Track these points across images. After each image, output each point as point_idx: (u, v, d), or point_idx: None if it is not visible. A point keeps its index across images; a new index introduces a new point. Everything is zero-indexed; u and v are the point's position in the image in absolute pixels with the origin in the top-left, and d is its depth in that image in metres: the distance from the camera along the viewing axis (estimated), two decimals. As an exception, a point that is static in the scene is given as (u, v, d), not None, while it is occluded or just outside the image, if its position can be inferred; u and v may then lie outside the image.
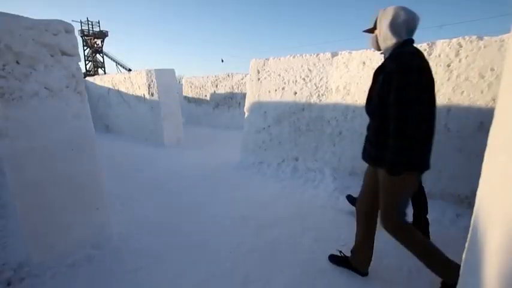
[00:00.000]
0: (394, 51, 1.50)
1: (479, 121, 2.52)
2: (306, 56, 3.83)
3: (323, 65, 3.66)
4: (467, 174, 2.60)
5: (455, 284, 0.96)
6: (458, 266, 0.94)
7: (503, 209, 0.61)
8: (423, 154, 1.47)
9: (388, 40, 1.51)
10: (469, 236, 0.82)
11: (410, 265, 1.98)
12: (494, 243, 0.63)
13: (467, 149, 2.61)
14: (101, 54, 36.15)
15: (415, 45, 1.53)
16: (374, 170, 1.69)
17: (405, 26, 1.47)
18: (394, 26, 1.47)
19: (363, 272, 1.87)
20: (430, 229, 2.30)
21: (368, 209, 1.77)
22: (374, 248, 1.89)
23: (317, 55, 3.72)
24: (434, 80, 1.47)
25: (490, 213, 0.68)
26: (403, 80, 1.38)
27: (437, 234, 2.39)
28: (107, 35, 35.97)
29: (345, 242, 2.31)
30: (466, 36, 2.56)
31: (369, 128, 1.67)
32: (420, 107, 1.37)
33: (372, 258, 1.88)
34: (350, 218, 2.70)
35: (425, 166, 1.51)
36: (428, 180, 2.89)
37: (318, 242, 2.31)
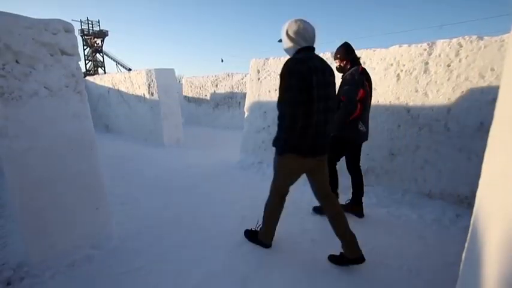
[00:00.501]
0: (292, 56, 1.80)
1: (479, 121, 2.52)
2: (306, 55, 3.83)
3: (323, 64, 3.65)
4: (467, 174, 2.60)
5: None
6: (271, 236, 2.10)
7: (503, 208, 0.61)
8: (300, 142, 1.76)
9: (287, 47, 1.82)
10: (468, 235, 0.82)
11: (410, 265, 1.98)
12: (494, 243, 0.63)
13: (467, 149, 2.61)
14: (101, 54, 36.14)
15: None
16: None
17: (300, 35, 1.73)
18: (290, 35, 1.75)
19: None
20: (431, 228, 2.41)
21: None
22: (376, 247, 2.05)
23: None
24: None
25: (489, 213, 0.68)
26: (281, 82, 1.70)
27: (437, 234, 2.40)
28: (107, 35, 35.95)
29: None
30: (466, 36, 2.56)
31: None
32: (293, 107, 1.67)
33: (367, 259, 1.93)
34: (350, 218, 2.70)
35: (304, 152, 1.81)
36: (429, 180, 2.90)
37: (317, 242, 2.31)
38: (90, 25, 34.67)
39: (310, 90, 1.67)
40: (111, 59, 37.55)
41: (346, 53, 2.49)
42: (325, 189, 2.02)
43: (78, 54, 2.09)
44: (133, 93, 6.69)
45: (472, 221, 0.79)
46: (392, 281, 1.86)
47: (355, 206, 2.70)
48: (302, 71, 1.64)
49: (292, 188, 2.11)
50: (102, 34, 35.59)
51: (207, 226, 2.59)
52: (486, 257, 0.66)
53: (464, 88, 2.58)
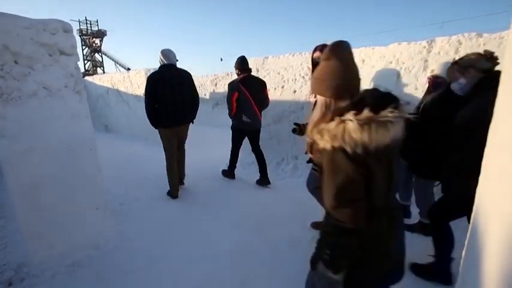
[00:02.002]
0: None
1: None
2: (305, 54, 3.82)
3: (322, 63, 3.64)
4: (467, 171, 2.60)
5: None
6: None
7: (502, 206, 0.61)
8: (159, 121, 3.06)
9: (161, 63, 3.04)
10: (468, 234, 0.82)
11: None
12: (494, 241, 0.63)
13: (466, 147, 2.60)
14: (100, 54, 36.01)
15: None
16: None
17: (163, 56, 2.99)
18: (160, 57, 3.02)
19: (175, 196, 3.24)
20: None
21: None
22: None
23: (316, 53, 3.71)
24: None
25: (489, 211, 0.68)
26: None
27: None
28: (106, 34, 35.83)
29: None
30: (465, 33, 2.55)
31: None
32: (148, 105, 2.99)
33: None
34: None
35: (165, 125, 3.09)
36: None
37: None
38: (89, 25, 34.54)
39: (156, 90, 2.92)
40: (110, 58, 37.45)
41: (239, 64, 3.40)
42: (180, 145, 3.42)
43: (77, 54, 2.09)
44: (133, 93, 6.68)
45: (471, 219, 0.79)
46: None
47: (263, 179, 3.52)
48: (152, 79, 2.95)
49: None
50: (101, 34, 35.46)
51: (207, 226, 2.60)
52: (486, 255, 0.66)
53: (464, 86, 2.57)
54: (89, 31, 34.82)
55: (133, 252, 2.19)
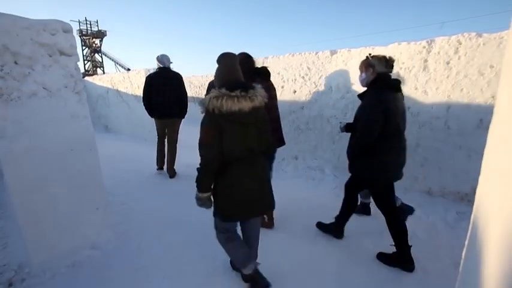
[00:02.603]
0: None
1: (479, 118, 2.52)
2: (305, 54, 3.82)
3: (322, 63, 3.65)
4: (468, 171, 2.60)
5: None
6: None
7: (503, 206, 0.60)
8: (152, 112, 3.79)
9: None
10: (468, 233, 0.82)
11: (416, 264, 1.98)
12: (494, 241, 0.63)
13: (467, 147, 2.61)
14: (100, 54, 36.03)
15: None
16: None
17: (158, 61, 3.68)
18: (156, 61, 3.70)
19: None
20: (433, 226, 2.44)
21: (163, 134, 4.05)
22: (381, 247, 2.11)
23: (316, 53, 3.71)
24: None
25: (489, 211, 0.68)
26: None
27: (438, 232, 2.40)
28: (106, 35, 35.86)
29: (346, 241, 2.31)
30: (465, 33, 2.55)
31: None
32: (143, 99, 3.75)
33: (372, 259, 1.92)
34: (353, 217, 2.70)
35: (157, 116, 3.83)
36: (429, 178, 2.90)
37: (319, 242, 2.31)
38: (89, 25, 34.57)
39: (151, 87, 3.66)
40: (110, 59, 37.47)
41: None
42: (170, 138, 3.96)
43: (77, 55, 2.09)
44: (133, 93, 6.68)
45: (472, 219, 0.79)
46: (400, 280, 1.87)
47: None
48: (157, 78, 3.68)
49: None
50: (101, 34, 35.49)
51: (208, 226, 2.59)
52: (486, 255, 0.66)
53: (464, 85, 2.57)
54: (89, 31, 34.84)
55: (133, 253, 2.19)
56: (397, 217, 2.01)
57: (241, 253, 1.73)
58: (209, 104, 1.42)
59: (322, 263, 2.05)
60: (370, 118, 1.84)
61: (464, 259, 0.86)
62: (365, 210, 2.73)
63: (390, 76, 1.92)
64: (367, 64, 1.94)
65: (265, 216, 2.48)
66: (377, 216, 2.44)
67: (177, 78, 3.75)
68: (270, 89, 2.49)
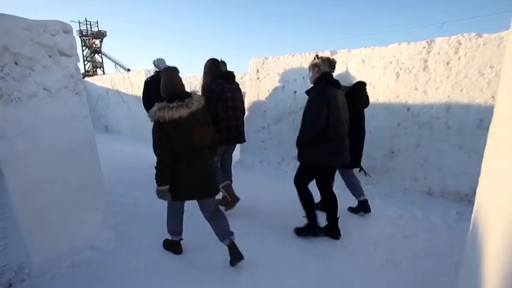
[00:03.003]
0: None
1: (479, 118, 2.52)
2: (305, 54, 3.82)
3: (322, 63, 3.65)
4: (468, 171, 2.60)
5: None
6: None
7: (503, 206, 0.60)
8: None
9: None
10: (469, 233, 0.82)
11: (416, 264, 1.98)
12: (494, 241, 0.63)
13: (467, 147, 2.61)
14: (100, 55, 36.03)
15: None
16: None
17: (155, 66, 3.64)
18: (154, 65, 3.66)
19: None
20: (433, 226, 2.45)
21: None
22: (381, 246, 2.00)
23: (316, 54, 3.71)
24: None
25: (490, 211, 0.68)
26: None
27: (438, 232, 2.40)
28: (106, 35, 35.86)
29: (347, 240, 2.31)
30: (465, 34, 2.56)
31: None
32: (143, 101, 3.66)
33: (373, 258, 1.88)
34: (351, 217, 2.70)
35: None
36: (429, 178, 2.90)
37: (320, 241, 2.31)
38: (89, 26, 34.57)
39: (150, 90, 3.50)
40: (110, 59, 37.47)
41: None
42: None
43: (77, 55, 2.09)
44: (133, 94, 6.69)
45: (472, 219, 0.79)
46: (400, 280, 1.86)
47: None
48: (152, 81, 3.48)
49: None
50: (101, 35, 35.48)
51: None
52: (487, 255, 0.66)
53: (464, 86, 2.58)
54: (89, 32, 34.84)
55: (133, 253, 2.19)
56: (333, 197, 2.37)
57: (174, 223, 2.22)
58: (155, 115, 1.76)
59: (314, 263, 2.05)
60: (317, 110, 2.09)
61: (465, 259, 0.86)
62: (364, 209, 2.70)
63: (332, 75, 2.24)
64: (314, 64, 2.22)
65: (226, 195, 2.81)
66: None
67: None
68: (235, 91, 2.91)
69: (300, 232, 2.39)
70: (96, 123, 7.50)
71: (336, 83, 2.22)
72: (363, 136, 2.68)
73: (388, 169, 3.16)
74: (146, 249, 2.24)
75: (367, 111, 2.67)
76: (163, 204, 3.11)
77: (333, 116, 2.11)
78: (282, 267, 2.01)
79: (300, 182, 2.37)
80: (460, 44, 2.57)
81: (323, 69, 2.18)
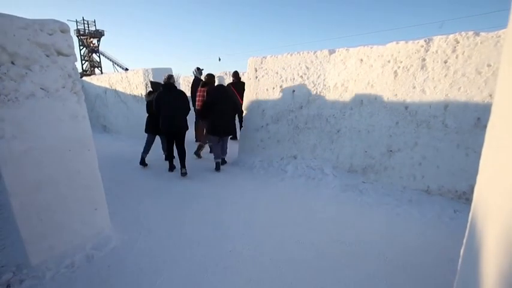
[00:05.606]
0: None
1: (477, 117, 2.53)
2: (303, 53, 3.82)
3: (320, 62, 3.65)
4: (465, 170, 2.62)
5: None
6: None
7: (501, 204, 0.61)
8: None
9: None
10: (466, 232, 0.82)
11: (411, 260, 1.99)
12: (492, 239, 0.63)
13: (464, 145, 2.62)
14: (98, 54, 35.84)
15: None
16: None
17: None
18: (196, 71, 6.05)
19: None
20: (430, 224, 2.43)
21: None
22: (377, 243, 1.94)
23: (314, 52, 3.71)
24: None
25: (487, 209, 0.68)
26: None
27: (437, 230, 2.41)
28: (103, 35, 35.66)
29: (348, 239, 2.32)
30: (462, 32, 2.56)
31: None
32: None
33: (368, 254, 1.89)
34: (352, 216, 2.71)
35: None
36: (427, 176, 2.91)
37: (321, 240, 2.32)
38: (86, 25, 34.36)
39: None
40: (108, 59, 37.28)
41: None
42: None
43: (75, 55, 2.08)
44: (131, 93, 6.67)
45: (470, 217, 0.80)
46: (394, 276, 1.87)
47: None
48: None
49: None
50: (98, 34, 35.29)
51: (208, 227, 2.59)
52: (485, 253, 0.66)
53: (461, 84, 2.58)
54: (87, 31, 34.63)
55: (133, 253, 2.19)
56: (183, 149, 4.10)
57: (216, 151, 4.23)
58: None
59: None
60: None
61: (462, 257, 0.86)
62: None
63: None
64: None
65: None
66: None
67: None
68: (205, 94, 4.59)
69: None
70: (94, 122, 7.46)
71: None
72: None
73: (386, 167, 3.17)
74: (146, 249, 2.24)
75: (365, 109, 2.67)
76: (162, 204, 3.12)
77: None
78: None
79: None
80: (458, 42, 2.58)
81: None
